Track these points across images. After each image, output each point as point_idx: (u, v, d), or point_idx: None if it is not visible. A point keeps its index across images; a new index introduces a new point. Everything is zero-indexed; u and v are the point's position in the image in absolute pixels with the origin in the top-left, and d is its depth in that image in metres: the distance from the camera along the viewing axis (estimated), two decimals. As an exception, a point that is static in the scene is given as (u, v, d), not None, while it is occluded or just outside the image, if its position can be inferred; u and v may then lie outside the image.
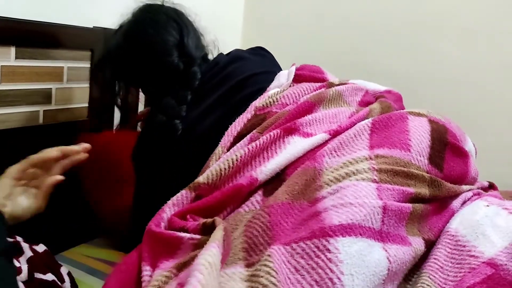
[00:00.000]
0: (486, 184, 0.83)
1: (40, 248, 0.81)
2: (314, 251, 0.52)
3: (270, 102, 0.80)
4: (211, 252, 0.49)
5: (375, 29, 1.50)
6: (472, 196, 0.73)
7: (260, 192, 0.66)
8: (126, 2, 1.23)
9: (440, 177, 0.68)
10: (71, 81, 1.05)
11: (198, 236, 0.58)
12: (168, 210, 0.66)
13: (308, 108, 0.77)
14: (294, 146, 0.70)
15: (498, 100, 1.32)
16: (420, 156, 0.68)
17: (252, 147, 0.69)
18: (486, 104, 1.34)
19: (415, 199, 0.63)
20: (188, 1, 1.46)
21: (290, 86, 0.84)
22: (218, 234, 0.53)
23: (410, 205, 0.61)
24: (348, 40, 1.56)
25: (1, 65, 0.90)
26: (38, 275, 0.74)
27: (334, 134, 0.72)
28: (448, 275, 0.57)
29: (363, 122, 0.72)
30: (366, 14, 1.52)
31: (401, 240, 0.57)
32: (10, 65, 0.91)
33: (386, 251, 0.54)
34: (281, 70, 0.94)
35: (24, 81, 0.94)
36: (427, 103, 1.42)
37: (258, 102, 0.80)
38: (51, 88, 1.01)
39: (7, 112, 0.93)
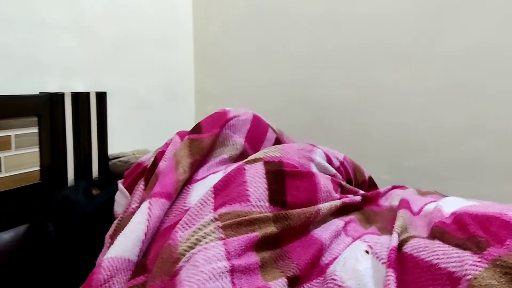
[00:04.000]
0: (358, 199, 0.86)
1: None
2: None
3: None
4: None
5: (318, 63, 1.58)
6: (344, 225, 0.77)
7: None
8: (71, 66, 1.29)
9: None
10: (19, 148, 1.09)
11: None
12: None
13: None
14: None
15: (433, 122, 1.39)
16: (259, 201, 0.71)
17: None
18: (422, 126, 1.41)
19: (264, 241, 0.66)
20: (139, 54, 1.54)
21: None
22: None
23: (257, 258, 0.64)
24: (293, 74, 1.63)
25: None
26: None
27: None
28: None
29: (207, 191, 0.75)
30: (307, 48, 1.60)
31: None
32: (-45, 141, 0.96)
33: None
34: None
35: (-30, 154, 0.99)
36: (370, 129, 1.49)
37: None
38: (0, 157, 1.05)
39: (-45, 186, 0.97)
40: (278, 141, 1.05)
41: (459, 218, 0.69)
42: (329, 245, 0.72)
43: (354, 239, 0.74)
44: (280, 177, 0.76)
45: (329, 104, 1.57)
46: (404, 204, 0.84)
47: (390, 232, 0.73)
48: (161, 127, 1.65)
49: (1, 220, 1.05)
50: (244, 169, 0.77)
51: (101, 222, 0.89)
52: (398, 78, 1.43)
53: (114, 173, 1.34)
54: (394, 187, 1.01)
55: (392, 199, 0.93)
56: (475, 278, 0.55)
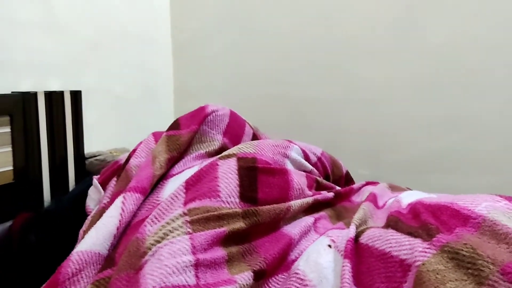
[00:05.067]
0: (330, 195, 0.86)
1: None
2: None
3: None
4: None
5: (297, 60, 1.58)
6: (314, 222, 0.77)
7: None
8: (43, 65, 1.28)
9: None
10: (-9, 147, 1.08)
11: None
12: None
13: None
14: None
15: (409, 116, 1.40)
16: (230, 197, 0.71)
17: None
18: (398, 120, 1.42)
19: (231, 236, 0.66)
20: (116, 51, 1.53)
21: None
22: None
23: (224, 252, 0.64)
24: (271, 72, 1.64)
25: None
26: None
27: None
28: None
29: (178, 185, 0.75)
30: (288, 47, 1.60)
31: (224, 282, 0.59)
32: None
33: None
34: None
35: None
36: (348, 124, 1.50)
37: None
38: (-30, 157, 1.03)
39: None
40: (255, 136, 1.05)
41: (413, 208, 0.71)
42: (298, 242, 0.72)
43: (321, 235, 0.74)
44: (252, 174, 0.75)
45: (307, 100, 1.58)
46: (370, 197, 0.85)
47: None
48: (139, 125, 1.63)
49: (-27, 221, 1.03)
50: (217, 165, 0.77)
51: (75, 217, 0.88)
52: (375, 73, 1.44)
53: (90, 172, 1.33)
54: (367, 183, 1.02)
55: (363, 195, 0.94)
56: (423, 264, 0.56)
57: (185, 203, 0.70)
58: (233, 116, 1.01)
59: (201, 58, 1.80)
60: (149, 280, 0.57)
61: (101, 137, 1.46)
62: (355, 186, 0.98)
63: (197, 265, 0.60)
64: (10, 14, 1.17)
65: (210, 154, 0.92)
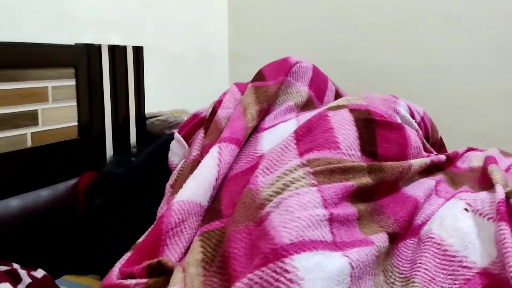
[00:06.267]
0: (443, 158, 0.80)
1: (39, 273, 0.77)
2: (272, 276, 0.48)
3: None
4: None
5: (356, 23, 1.49)
6: (436, 184, 0.70)
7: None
8: (108, 18, 1.22)
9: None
10: (57, 101, 1.02)
11: (144, 280, 0.55)
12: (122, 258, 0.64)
13: None
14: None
15: (483, 84, 1.30)
16: (351, 150, 0.65)
17: None
18: (474, 89, 1.32)
19: (359, 192, 0.60)
20: (173, 10, 1.46)
21: None
22: (178, 277, 0.50)
23: (354, 209, 0.58)
24: (331, 36, 1.54)
25: (-18, 90, 0.87)
26: (38, 302, 0.71)
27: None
28: (441, 286, 0.54)
29: (287, 136, 0.69)
30: (347, 9, 1.50)
31: (360, 242, 0.54)
32: (-9, 89, 0.89)
33: (347, 256, 0.51)
34: None
35: (7, 104, 0.92)
36: (414, 93, 1.40)
37: None
38: (36, 110, 0.98)
39: (-7, 138, 0.90)
40: (337, 93, 0.97)
41: None
42: (422, 205, 0.66)
43: (447, 200, 0.68)
44: (370, 126, 0.69)
45: (368, 66, 1.49)
46: (492, 160, 0.76)
47: (484, 190, 0.66)
48: (194, 88, 1.57)
49: (38, 176, 0.98)
50: (327, 116, 0.70)
51: (152, 173, 0.83)
52: (445, 38, 1.33)
53: (151, 132, 1.28)
54: (469, 149, 0.94)
55: (470, 161, 0.87)
56: None
57: (301, 154, 0.64)
58: (316, 70, 0.96)
59: (257, 22, 1.72)
60: (283, 233, 0.51)
61: (158, 97, 1.40)
62: (459, 151, 0.89)
63: (331, 220, 0.54)
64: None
65: (299, 106, 0.86)
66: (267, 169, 0.63)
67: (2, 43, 0.90)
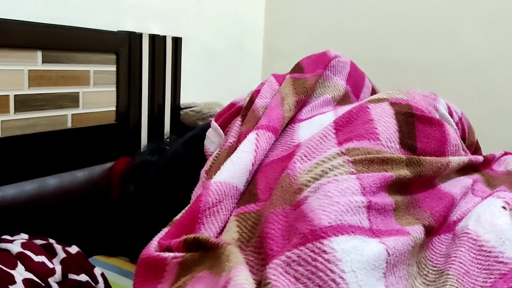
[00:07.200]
0: (480, 159, 0.79)
1: (73, 249, 0.80)
2: (310, 255, 0.48)
3: None
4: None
5: (394, 20, 1.47)
6: (472, 184, 0.70)
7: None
8: (148, 7, 1.24)
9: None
10: (97, 85, 1.04)
11: (181, 254, 0.55)
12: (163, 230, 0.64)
13: None
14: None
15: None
16: (390, 142, 0.65)
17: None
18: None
19: (396, 184, 0.59)
20: (210, 4, 1.47)
21: None
22: (239, 256, 0.49)
23: (391, 199, 0.57)
24: (369, 34, 1.53)
25: (29, 69, 0.90)
26: (72, 276, 0.73)
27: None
28: (476, 280, 0.54)
29: (326, 125, 0.69)
30: (388, 7, 1.49)
31: (397, 232, 0.54)
32: (37, 69, 0.91)
33: (384, 243, 0.51)
34: None
35: (51, 85, 0.94)
36: (452, 93, 1.37)
37: None
38: (78, 92, 1.00)
39: (36, 116, 0.92)
40: (374, 90, 0.97)
41: None
42: (458, 202, 0.65)
43: (483, 199, 0.67)
44: (410, 121, 0.68)
45: (406, 64, 1.46)
46: None
47: None
48: (227, 81, 1.58)
49: (76, 158, 1.01)
50: (368, 108, 0.70)
51: (187, 160, 0.85)
52: (483, 37, 1.30)
53: (184, 123, 1.29)
54: (506, 153, 0.92)
55: (507, 164, 0.85)
56: None
57: (340, 143, 0.64)
58: (354, 66, 0.95)
59: (294, 17, 1.71)
60: (322, 216, 0.51)
61: (192, 89, 1.41)
62: (496, 154, 0.88)
63: (369, 207, 0.54)
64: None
65: (335, 100, 0.86)
66: (305, 156, 0.63)
67: (50, 25, 0.93)
